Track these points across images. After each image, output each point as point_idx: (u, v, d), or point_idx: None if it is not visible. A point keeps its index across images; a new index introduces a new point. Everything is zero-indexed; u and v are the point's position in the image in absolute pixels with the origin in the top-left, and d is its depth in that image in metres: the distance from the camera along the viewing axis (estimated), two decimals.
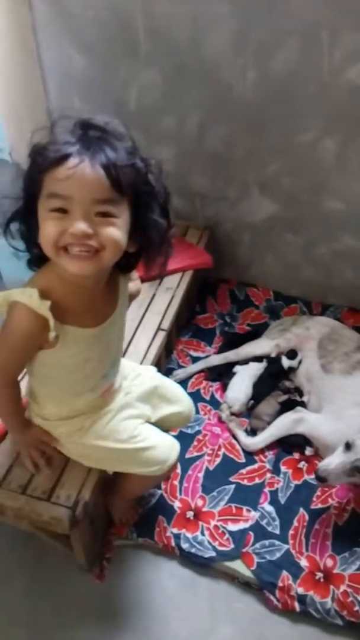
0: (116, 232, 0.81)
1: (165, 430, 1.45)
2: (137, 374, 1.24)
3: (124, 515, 1.37)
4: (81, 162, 0.77)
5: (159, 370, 1.38)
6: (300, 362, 1.74)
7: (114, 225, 0.81)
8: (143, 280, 1.71)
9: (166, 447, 1.18)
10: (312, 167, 1.70)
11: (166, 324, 1.62)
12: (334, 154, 1.64)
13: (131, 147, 0.83)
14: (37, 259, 0.92)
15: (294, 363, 1.73)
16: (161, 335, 1.58)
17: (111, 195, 0.79)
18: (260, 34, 1.49)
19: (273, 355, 1.75)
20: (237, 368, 1.77)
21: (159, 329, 1.60)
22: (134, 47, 1.62)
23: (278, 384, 1.72)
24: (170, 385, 1.30)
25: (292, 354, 1.75)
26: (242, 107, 1.63)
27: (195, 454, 1.55)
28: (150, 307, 1.67)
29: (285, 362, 1.73)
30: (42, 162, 0.79)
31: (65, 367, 0.99)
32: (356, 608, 1.24)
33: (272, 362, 1.75)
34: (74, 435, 1.11)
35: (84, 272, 0.83)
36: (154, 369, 1.31)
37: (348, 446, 1.29)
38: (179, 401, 1.28)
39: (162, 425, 1.31)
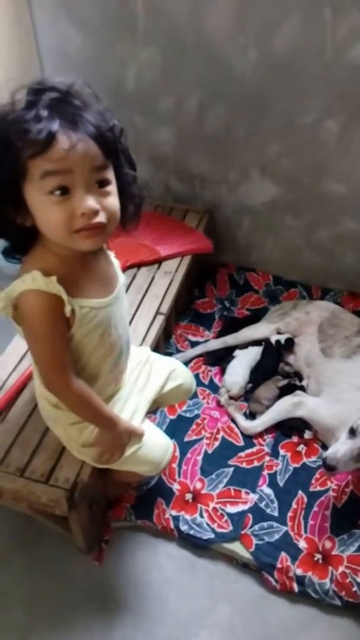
0: (115, 201, 0.83)
1: (171, 404, 1.43)
2: (135, 359, 1.22)
3: (117, 491, 1.38)
4: (70, 138, 0.74)
5: None
6: (291, 343, 1.72)
7: (110, 195, 0.82)
8: (129, 267, 1.71)
9: (161, 449, 1.17)
10: (314, 149, 1.67)
11: (165, 308, 1.61)
12: (336, 135, 1.62)
13: (103, 109, 0.81)
14: (18, 246, 0.89)
15: (281, 337, 1.72)
16: (160, 319, 1.57)
17: (103, 161, 0.80)
18: (261, 12, 1.46)
19: (272, 339, 1.74)
20: (236, 352, 1.76)
21: (157, 313, 1.59)
22: (133, 25, 1.59)
23: (277, 366, 1.71)
24: (166, 362, 1.29)
25: (288, 342, 1.74)
26: (243, 87, 1.60)
27: (194, 437, 1.55)
28: (149, 291, 1.66)
29: (274, 337, 1.72)
30: (26, 147, 0.74)
31: (87, 345, 0.96)
32: (354, 589, 1.24)
33: (269, 346, 1.74)
34: (79, 428, 1.10)
35: (95, 247, 0.85)
36: (147, 349, 1.30)
37: (353, 431, 1.28)
38: (177, 375, 1.27)
39: (165, 401, 1.31)
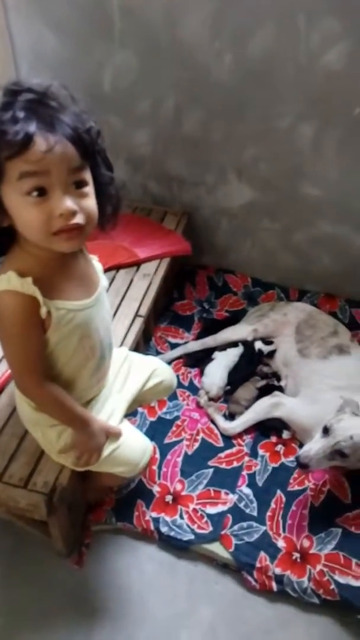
0: (92, 202, 0.83)
1: (152, 401, 1.43)
2: (114, 359, 1.22)
3: (97, 496, 1.37)
4: (48, 140, 0.74)
5: None
6: (273, 351, 1.74)
7: (88, 196, 0.83)
8: (108, 270, 1.71)
9: (139, 449, 1.17)
10: (289, 153, 1.70)
11: (143, 311, 1.61)
12: (311, 139, 1.64)
13: (80, 110, 0.81)
14: None
15: (265, 348, 1.74)
16: (139, 322, 1.57)
17: (80, 162, 0.80)
18: (236, 17, 1.47)
19: (249, 339, 1.76)
20: (215, 354, 1.78)
21: (136, 315, 1.59)
22: (108, 27, 1.59)
23: (255, 369, 1.73)
24: (144, 359, 1.29)
25: (268, 342, 1.76)
26: (219, 91, 1.62)
27: (174, 439, 1.56)
28: (128, 294, 1.66)
29: (257, 345, 1.74)
30: (3, 148, 0.74)
31: (64, 349, 0.96)
32: (332, 587, 1.26)
33: (248, 348, 1.76)
34: (58, 431, 1.09)
35: (73, 249, 0.85)
36: (125, 349, 1.30)
37: (326, 430, 1.30)
38: (157, 372, 1.27)
39: (146, 399, 1.31)
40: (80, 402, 1.09)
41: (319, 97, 1.54)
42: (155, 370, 1.27)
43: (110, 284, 1.68)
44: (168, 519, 1.37)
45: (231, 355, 1.76)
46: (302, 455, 1.30)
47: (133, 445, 1.16)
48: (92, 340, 0.99)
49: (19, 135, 0.73)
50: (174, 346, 1.84)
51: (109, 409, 1.14)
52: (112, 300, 1.62)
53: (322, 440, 1.29)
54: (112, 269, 1.72)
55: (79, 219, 0.80)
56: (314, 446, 1.30)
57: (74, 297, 0.93)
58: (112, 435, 1.11)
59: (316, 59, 1.48)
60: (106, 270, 1.69)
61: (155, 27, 1.55)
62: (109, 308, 1.08)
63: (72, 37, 1.65)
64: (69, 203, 0.78)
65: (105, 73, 1.69)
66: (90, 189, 0.83)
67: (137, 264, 1.76)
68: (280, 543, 1.34)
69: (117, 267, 1.73)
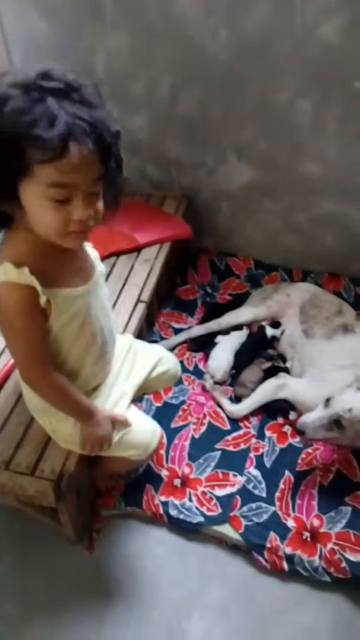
0: (101, 203, 0.84)
1: (156, 390, 1.44)
2: (118, 346, 1.22)
3: (108, 483, 1.38)
4: (81, 150, 0.74)
5: None
6: (283, 332, 1.74)
7: (99, 198, 0.83)
8: (108, 256, 1.70)
9: (148, 433, 1.17)
10: (289, 130, 1.67)
11: (146, 296, 1.60)
12: (310, 115, 1.61)
13: (108, 112, 0.80)
14: None
15: (277, 332, 1.73)
16: (141, 307, 1.56)
17: (101, 171, 0.80)
18: None
19: (255, 329, 1.75)
20: (219, 338, 1.77)
21: (138, 300, 1.58)
22: (99, 9, 1.56)
23: (262, 352, 1.72)
24: (149, 348, 1.29)
25: (275, 324, 1.75)
26: (215, 68, 1.59)
27: (181, 423, 1.55)
28: (129, 279, 1.65)
29: (269, 332, 1.73)
30: (37, 151, 0.73)
31: (66, 337, 0.96)
32: (343, 565, 1.26)
33: (260, 335, 1.75)
34: (63, 418, 1.08)
35: (80, 245, 0.90)
36: (130, 336, 1.29)
37: (328, 401, 1.32)
38: (162, 361, 1.27)
39: (151, 387, 1.31)
40: (86, 389, 1.09)
41: (317, 71, 1.51)
42: (160, 358, 1.27)
43: (111, 270, 1.67)
44: (177, 502, 1.37)
45: (236, 338, 1.75)
46: (299, 422, 1.33)
47: (142, 428, 1.16)
48: (92, 326, 0.99)
49: (55, 141, 0.72)
50: (177, 331, 1.83)
51: (115, 396, 1.14)
52: (113, 286, 1.61)
53: (322, 410, 1.31)
54: (112, 255, 1.71)
55: (91, 222, 0.83)
56: (313, 415, 1.32)
57: (71, 284, 0.93)
58: (119, 423, 1.11)
59: (312, 33, 1.45)
60: (106, 257, 1.69)
61: (147, 5, 1.52)
62: (107, 294, 1.08)
63: (63, 21, 1.62)
64: (88, 211, 0.80)
65: (98, 57, 1.67)
66: (100, 189, 0.83)
67: (138, 249, 1.75)
68: (290, 523, 1.34)
69: (118, 253, 1.72)
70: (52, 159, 0.73)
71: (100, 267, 1.04)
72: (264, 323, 1.76)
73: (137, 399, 1.47)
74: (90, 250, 1.04)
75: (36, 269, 0.85)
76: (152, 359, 1.26)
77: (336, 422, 1.28)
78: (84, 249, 1.01)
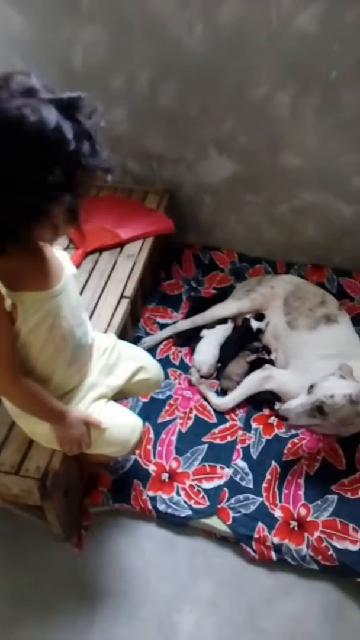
0: None
1: (136, 395, 1.42)
2: (100, 346, 1.21)
3: (92, 469, 1.38)
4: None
5: (126, 339, 1.35)
6: (267, 324, 1.74)
7: None
8: (91, 252, 1.69)
9: (129, 428, 1.17)
10: (268, 123, 1.66)
11: (129, 292, 1.60)
12: (288, 107, 1.61)
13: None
14: None
15: (262, 324, 1.74)
16: (125, 303, 1.56)
17: None
18: None
19: (239, 322, 1.75)
20: (204, 332, 1.77)
21: (122, 296, 1.58)
22: (75, 2, 1.55)
23: (247, 345, 1.72)
24: (134, 353, 1.28)
25: (260, 316, 1.76)
26: (193, 62, 1.58)
27: (168, 418, 1.55)
28: (112, 275, 1.64)
29: (254, 324, 1.74)
30: (87, 187, 0.81)
31: (35, 341, 0.95)
32: (330, 552, 1.28)
33: (245, 328, 1.75)
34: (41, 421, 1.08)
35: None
36: (113, 335, 1.28)
37: (311, 388, 1.33)
38: (145, 369, 1.26)
39: (132, 392, 1.30)
40: (61, 392, 1.08)
41: (294, 62, 1.51)
42: (144, 366, 1.26)
43: (94, 266, 1.66)
44: (165, 496, 1.38)
45: (221, 332, 1.75)
46: (282, 408, 1.34)
47: (121, 425, 1.15)
48: (61, 329, 0.99)
49: (107, 164, 0.80)
50: (163, 326, 1.83)
51: (91, 397, 1.13)
52: (96, 282, 1.60)
53: (305, 397, 1.33)
54: (95, 251, 1.70)
55: None
56: (296, 401, 1.33)
57: (38, 287, 0.92)
58: (92, 424, 1.10)
59: (289, 23, 1.44)
60: (89, 253, 1.68)
61: (122, 0, 1.51)
62: (78, 297, 1.07)
63: (39, 16, 1.60)
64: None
65: (76, 50, 1.65)
66: None
67: (121, 245, 1.74)
68: (277, 513, 1.35)
69: (100, 250, 1.71)
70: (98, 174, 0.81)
71: (70, 269, 1.03)
72: (248, 316, 1.76)
73: (123, 397, 1.47)
74: (59, 252, 1.03)
75: (2, 271, 0.85)
76: (135, 364, 1.24)
77: (318, 409, 1.29)
78: (50, 251, 0.99)
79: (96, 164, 0.78)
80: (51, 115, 0.72)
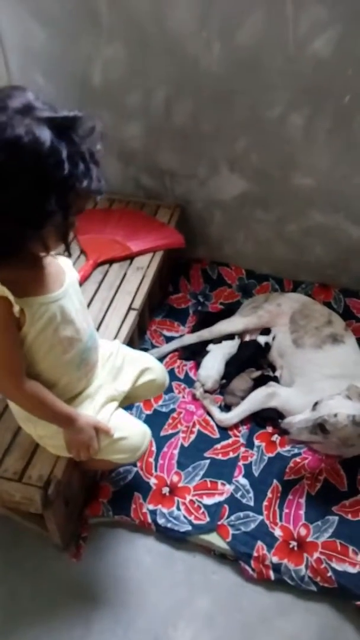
0: None
1: (143, 399, 1.44)
2: (105, 352, 1.22)
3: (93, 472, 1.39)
4: None
5: None
6: (274, 337, 1.75)
7: None
8: (101, 264, 1.71)
9: (139, 435, 1.17)
10: (281, 143, 1.69)
11: (137, 304, 1.61)
12: (301, 128, 1.63)
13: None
14: None
15: (269, 338, 1.74)
16: (132, 315, 1.57)
17: None
18: (223, 6, 1.46)
19: (246, 339, 1.76)
20: (210, 346, 1.78)
21: (130, 308, 1.59)
22: (96, 20, 1.59)
23: (253, 362, 1.73)
24: (137, 356, 1.29)
25: (266, 331, 1.77)
26: (209, 81, 1.61)
27: (170, 431, 1.56)
28: (122, 287, 1.66)
29: (262, 339, 1.75)
30: (80, 208, 0.83)
31: (41, 345, 0.97)
32: (329, 574, 1.27)
33: (253, 344, 1.76)
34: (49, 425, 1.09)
35: None
36: (118, 342, 1.29)
37: (316, 404, 1.34)
38: (149, 370, 1.27)
39: (137, 395, 1.31)
40: (69, 396, 1.09)
41: (309, 85, 1.54)
42: (149, 368, 1.27)
43: (104, 278, 1.68)
44: (165, 510, 1.37)
45: (227, 347, 1.76)
46: (285, 421, 1.35)
47: (133, 433, 1.16)
48: (67, 331, 1.00)
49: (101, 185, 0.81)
50: (169, 339, 1.84)
51: (101, 400, 1.14)
52: (105, 294, 1.62)
53: (308, 413, 1.33)
54: (105, 262, 1.72)
55: None
56: (300, 416, 1.34)
57: (42, 292, 0.94)
58: (101, 430, 1.10)
59: (305, 47, 1.47)
60: (100, 265, 1.70)
61: (143, 18, 1.55)
62: (82, 300, 1.08)
63: (60, 31, 1.64)
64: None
65: (95, 66, 1.69)
66: None
67: (131, 257, 1.76)
68: (277, 532, 1.34)
69: (111, 261, 1.73)
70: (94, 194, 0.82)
71: (71, 274, 1.04)
72: (254, 336, 1.77)
73: (125, 407, 1.48)
74: (61, 258, 1.03)
75: (7, 279, 0.86)
76: (139, 366, 1.26)
77: (320, 426, 1.29)
78: (52, 257, 1.00)
79: (88, 187, 0.79)
80: (45, 134, 0.72)
